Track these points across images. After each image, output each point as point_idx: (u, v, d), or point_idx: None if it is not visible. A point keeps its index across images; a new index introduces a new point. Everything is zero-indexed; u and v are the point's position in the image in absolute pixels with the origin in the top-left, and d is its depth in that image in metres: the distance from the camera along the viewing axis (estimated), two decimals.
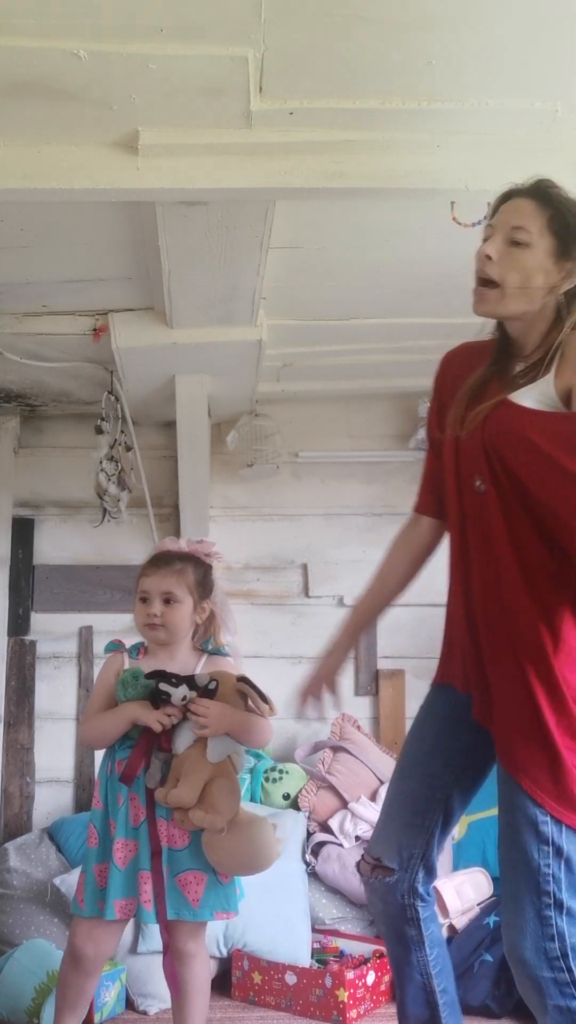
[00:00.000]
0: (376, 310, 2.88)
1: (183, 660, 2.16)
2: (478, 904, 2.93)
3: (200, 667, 2.15)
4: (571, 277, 1.62)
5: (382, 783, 3.13)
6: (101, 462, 3.32)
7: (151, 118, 1.81)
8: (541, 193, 1.65)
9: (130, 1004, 2.66)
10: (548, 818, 1.58)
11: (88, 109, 1.77)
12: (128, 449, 3.35)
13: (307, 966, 2.75)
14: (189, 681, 2.06)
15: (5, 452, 3.65)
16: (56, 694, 3.57)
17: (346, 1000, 2.53)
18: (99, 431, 3.29)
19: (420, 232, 2.35)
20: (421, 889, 1.82)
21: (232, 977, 2.76)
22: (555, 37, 1.66)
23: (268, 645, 3.60)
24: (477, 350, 1.78)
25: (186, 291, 2.56)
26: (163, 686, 2.04)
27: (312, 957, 2.82)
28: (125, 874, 2.04)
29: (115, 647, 2.22)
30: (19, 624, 3.60)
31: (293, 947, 2.77)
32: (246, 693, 2.10)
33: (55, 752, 3.53)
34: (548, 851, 1.59)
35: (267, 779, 3.20)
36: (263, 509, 3.69)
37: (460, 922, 2.86)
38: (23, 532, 3.66)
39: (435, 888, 2.82)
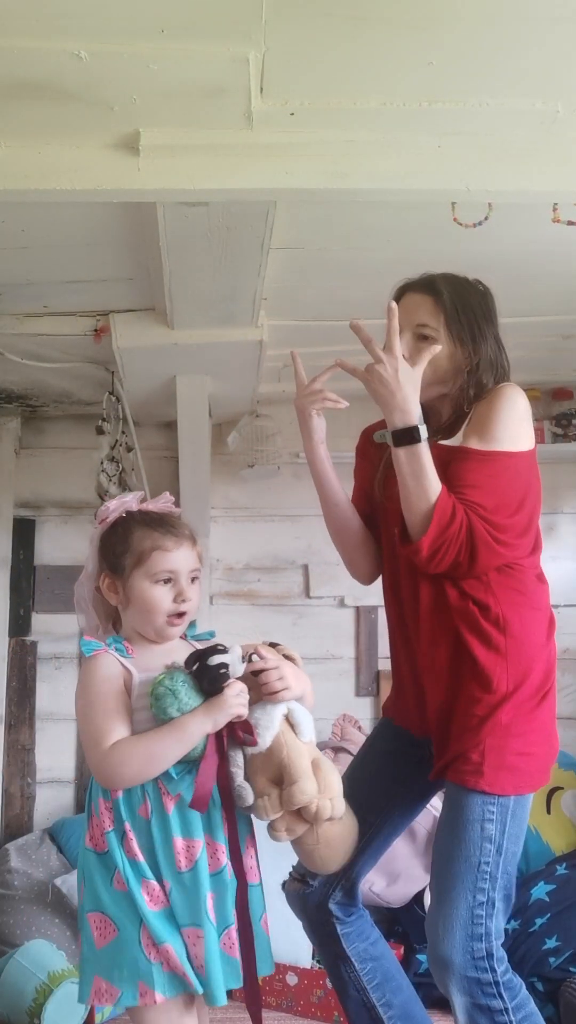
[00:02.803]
0: (377, 311, 2.85)
1: (177, 653, 1.66)
2: None
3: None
4: (475, 356, 1.83)
5: None
6: (102, 463, 3.32)
7: (152, 118, 1.81)
8: (435, 288, 1.86)
9: None
10: (495, 808, 1.65)
11: (89, 109, 1.77)
12: (129, 450, 3.35)
13: (308, 967, 2.74)
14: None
15: (6, 453, 3.65)
16: (57, 695, 3.57)
17: None
18: (100, 432, 3.30)
19: (421, 233, 2.35)
20: (335, 910, 1.89)
21: None
22: (556, 37, 1.66)
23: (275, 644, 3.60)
24: None
25: (187, 292, 2.56)
26: (216, 659, 1.55)
27: (313, 958, 2.81)
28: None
29: (98, 645, 1.67)
30: (20, 624, 3.60)
31: (294, 947, 2.77)
32: (289, 656, 1.69)
33: (56, 752, 3.53)
34: (491, 849, 1.65)
35: None
36: (264, 510, 3.69)
37: None
38: (24, 533, 3.66)
39: None
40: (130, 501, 1.73)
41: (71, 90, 1.72)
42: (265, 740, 1.56)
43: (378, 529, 1.99)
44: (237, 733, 1.56)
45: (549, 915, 2.69)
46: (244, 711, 1.55)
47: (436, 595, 1.78)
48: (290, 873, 2.03)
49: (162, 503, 1.76)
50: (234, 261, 2.36)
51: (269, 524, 3.72)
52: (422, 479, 1.70)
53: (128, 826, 1.56)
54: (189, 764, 1.55)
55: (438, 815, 3.04)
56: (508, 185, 1.92)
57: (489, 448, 1.75)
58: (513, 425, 1.77)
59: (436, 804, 3.10)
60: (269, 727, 1.57)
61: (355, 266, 2.56)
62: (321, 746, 3.33)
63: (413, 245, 2.44)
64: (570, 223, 2.12)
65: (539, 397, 3.60)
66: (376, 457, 2.01)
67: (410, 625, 1.84)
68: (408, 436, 1.72)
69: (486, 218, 2.12)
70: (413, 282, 1.92)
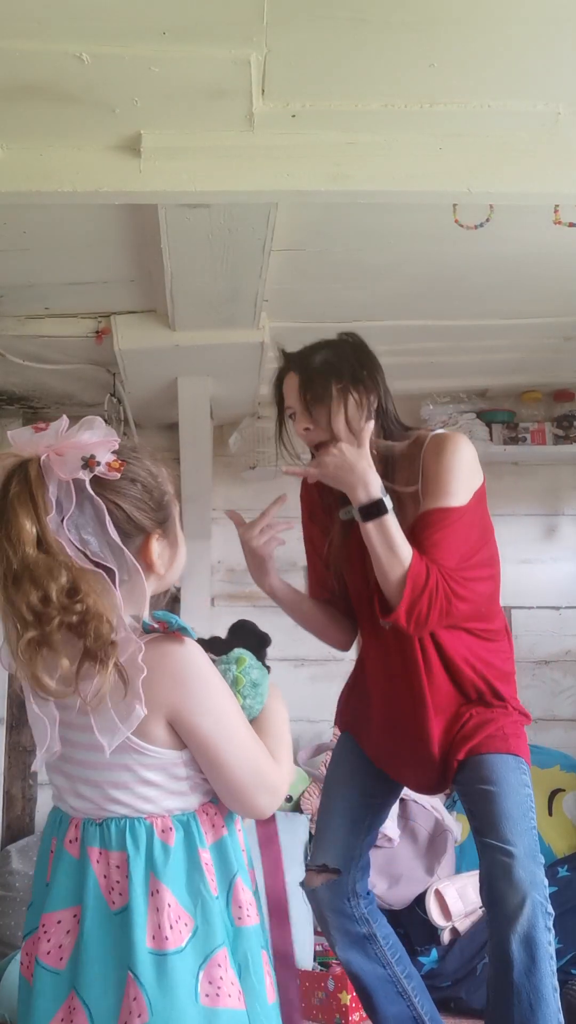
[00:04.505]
0: (378, 312, 2.88)
1: None
2: (480, 907, 2.92)
3: None
4: (369, 404, 1.92)
5: None
6: None
7: (153, 120, 1.82)
8: (299, 365, 1.93)
9: None
10: (524, 767, 1.83)
11: (91, 111, 1.78)
12: None
13: (310, 968, 2.74)
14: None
15: None
16: None
17: (349, 1003, 2.53)
18: None
19: (422, 234, 2.35)
20: (359, 889, 2.00)
21: None
22: (557, 39, 1.66)
23: (270, 647, 3.59)
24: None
25: (188, 293, 2.56)
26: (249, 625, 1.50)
27: (315, 960, 2.81)
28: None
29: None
30: None
31: (296, 949, 2.77)
32: None
33: None
34: (529, 793, 1.81)
35: None
36: None
37: (463, 925, 2.86)
38: None
39: (437, 891, 2.85)
40: (99, 434, 1.30)
41: (73, 92, 1.72)
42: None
43: (348, 593, 2.10)
44: None
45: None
46: None
47: (434, 654, 1.91)
48: (310, 868, 2.02)
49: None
50: (235, 263, 2.36)
51: None
52: (394, 548, 1.79)
53: (239, 880, 1.16)
54: None
55: (438, 816, 3.04)
56: (509, 187, 1.92)
57: (445, 505, 1.85)
58: (464, 477, 1.88)
59: (436, 805, 3.10)
60: None
61: (356, 268, 2.56)
62: (322, 748, 3.33)
63: (414, 247, 2.44)
64: (571, 225, 2.12)
65: (540, 399, 3.60)
66: (322, 514, 2.15)
67: (400, 677, 1.94)
68: (375, 509, 1.80)
69: (487, 220, 2.13)
70: (281, 366, 1.99)
